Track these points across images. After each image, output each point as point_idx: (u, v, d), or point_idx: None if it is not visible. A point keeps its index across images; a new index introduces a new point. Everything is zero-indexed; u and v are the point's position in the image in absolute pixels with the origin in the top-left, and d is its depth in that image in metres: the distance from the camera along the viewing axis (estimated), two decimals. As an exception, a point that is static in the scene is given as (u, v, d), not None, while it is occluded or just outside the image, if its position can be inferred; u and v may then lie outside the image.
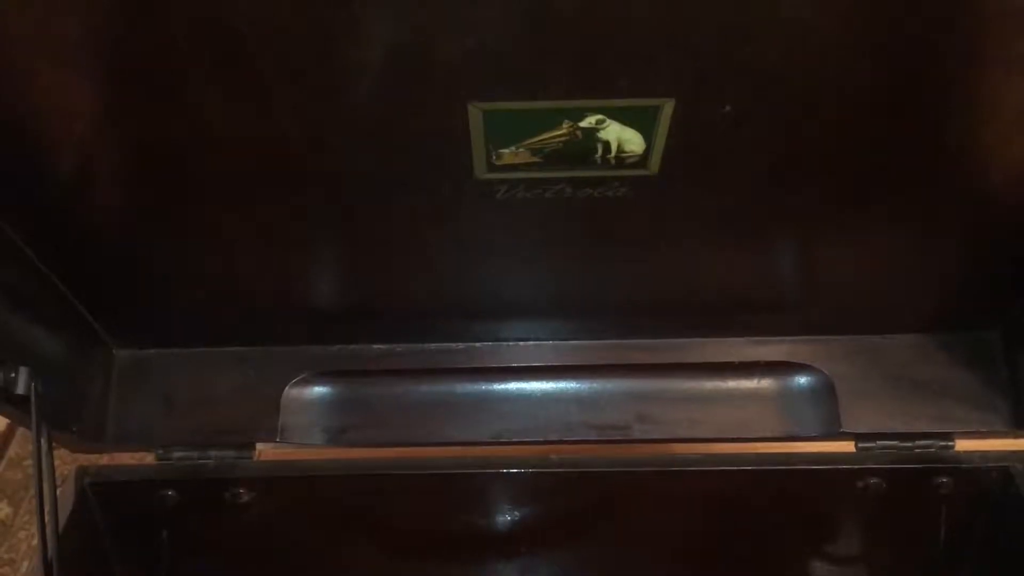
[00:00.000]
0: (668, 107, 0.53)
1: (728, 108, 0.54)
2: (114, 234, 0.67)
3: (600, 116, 0.54)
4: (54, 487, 0.68)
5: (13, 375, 0.64)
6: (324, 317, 0.78)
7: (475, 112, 0.53)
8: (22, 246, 0.66)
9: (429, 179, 0.60)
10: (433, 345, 0.80)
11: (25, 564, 1.04)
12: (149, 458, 0.80)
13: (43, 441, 0.66)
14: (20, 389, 0.65)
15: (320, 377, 0.81)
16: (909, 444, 0.79)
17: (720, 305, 0.77)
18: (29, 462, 1.04)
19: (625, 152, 0.57)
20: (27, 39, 0.49)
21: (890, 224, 0.68)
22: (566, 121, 0.54)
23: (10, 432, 1.14)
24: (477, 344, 0.81)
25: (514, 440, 0.81)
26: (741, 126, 0.55)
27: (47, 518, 0.67)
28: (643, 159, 0.57)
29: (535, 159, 0.57)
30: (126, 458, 0.81)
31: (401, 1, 0.45)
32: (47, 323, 0.71)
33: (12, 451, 1.13)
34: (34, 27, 0.48)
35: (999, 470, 0.79)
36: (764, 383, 0.82)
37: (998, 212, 0.66)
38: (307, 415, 0.81)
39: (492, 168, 0.58)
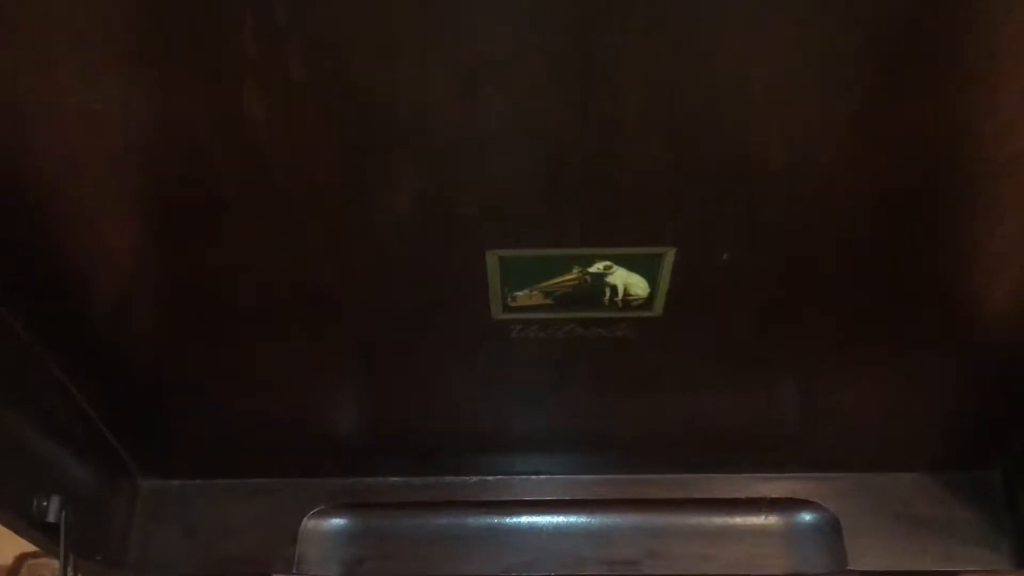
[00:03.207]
0: (670, 255, 0.57)
1: (726, 256, 0.57)
2: (149, 369, 0.70)
3: (607, 263, 0.58)
4: (77, 615, 0.70)
5: (45, 503, 0.67)
6: (342, 450, 0.81)
7: (492, 258, 0.57)
8: (60, 376, 0.69)
9: (448, 319, 0.64)
10: (448, 478, 0.83)
11: None
12: (168, 587, 0.81)
13: (69, 570, 0.68)
14: (51, 517, 0.67)
15: (337, 509, 0.83)
16: (915, 583, 0.79)
17: (726, 442, 0.79)
18: (35, 597, 1.03)
19: (631, 295, 0.60)
20: (80, 184, 0.53)
21: (889, 365, 0.70)
22: (576, 267, 0.58)
23: (17, 566, 1.13)
24: (490, 478, 0.83)
25: (525, 574, 0.82)
26: (739, 273, 0.59)
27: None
28: (648, 302, 0.61)
29: (547, 301, 0.61)
30: (145, 587, 0.82)
31: (426, 159, 0.50)
32: (78, 452, 0.74)
33: (18, 584, 1.12)
34: (86, 176, 0.53)
35: (1005, 610, 0.79)
36: (771, 520, 0.83)
37: (995, 354, 0.68)
38: (324, 547, 0.82)
39: (507, 309, 0.61)
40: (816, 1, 0.42)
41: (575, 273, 0.59)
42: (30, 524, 0.66)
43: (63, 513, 0.68)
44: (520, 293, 0.60)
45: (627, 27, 0.42)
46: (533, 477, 0.83)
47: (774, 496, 0.82)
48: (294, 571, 0.80)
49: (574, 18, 0.42)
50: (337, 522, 0.83)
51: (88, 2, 0.41)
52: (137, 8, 0.42)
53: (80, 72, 0.45)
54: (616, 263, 0.58)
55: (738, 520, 0.83)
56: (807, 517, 0.83)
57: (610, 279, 0.59)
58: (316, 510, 0.82)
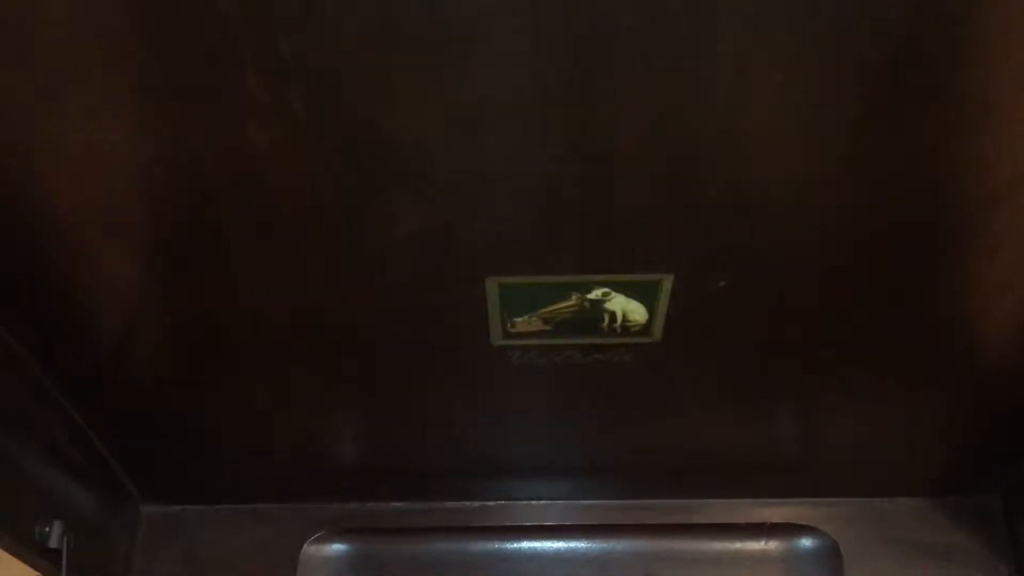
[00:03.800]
0: (667, 282, 0.58)
1: (723, 283, 0.58)
2: (151, 396, 0.71)
3: (606, 289, 0.59)
4: (76, 641, 0.70)
5: (47, 529, 0.68)
6: (343, 476, 0.81)
7: (492, 286, 0.58)
8: (64, 403, 0.70)
9: (449, 346, 0.64)
10: (448, 503, 0.83)
11: None
12: (168, 613, 0.81)
13: (70, 595, 0.68)
14: (53, 543, 0.68)
15: (337, 535, 0.83)
16: (916, 608, 0.79)
17: (725, 467, 0.80)
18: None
19: (629, 321, 0.61)
20: (84, 215, 0.54)
21: (887, 389, 0.71)
22: (575, 294, 0.59)
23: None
24: (490, 503, 0.83)
25: (525, 600, 0.82)
26: (736, 298, 0.59)
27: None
28: (646, 328, 0.62)
29: (547, 327, 0.61)
30: (146, 614, 0.82)
31: (427, 193, 0.51)
32: (82, 478, 0.74)
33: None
34: (91, 207, 0.54)
35: (1005, 634, 0.79)
36: (771, 545, 0.83)
37: (993, 381, 0.69)
38: (324, 572, 0.83)
39: (507, 336, 0.62)
40: (808, 42, 0.43)
41: (574, 300, 0.59)
42: (33, 549, 0.66)
43: (65, 539, 0.68)
44: (520, 319, 0.61)
45: (620, 68, 0.43)
46: (534, 502, 0.83)
47: (774, 521, 0.83)
48: (295, 597, 0.80)
49: (569, 59, 0.43)
50: (338, 547, 0.83)
51: (95, 39, 0.42)
52: (143, 44, 0.43)
53: (86, 107, 0.45)
54: (614, 290, 0.59)
55: (738, 545, 0.83)
56: (807, 542, 0.83)
57: (609, 305, 0.60)
58: (317, 535, 0.83)
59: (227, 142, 0.47)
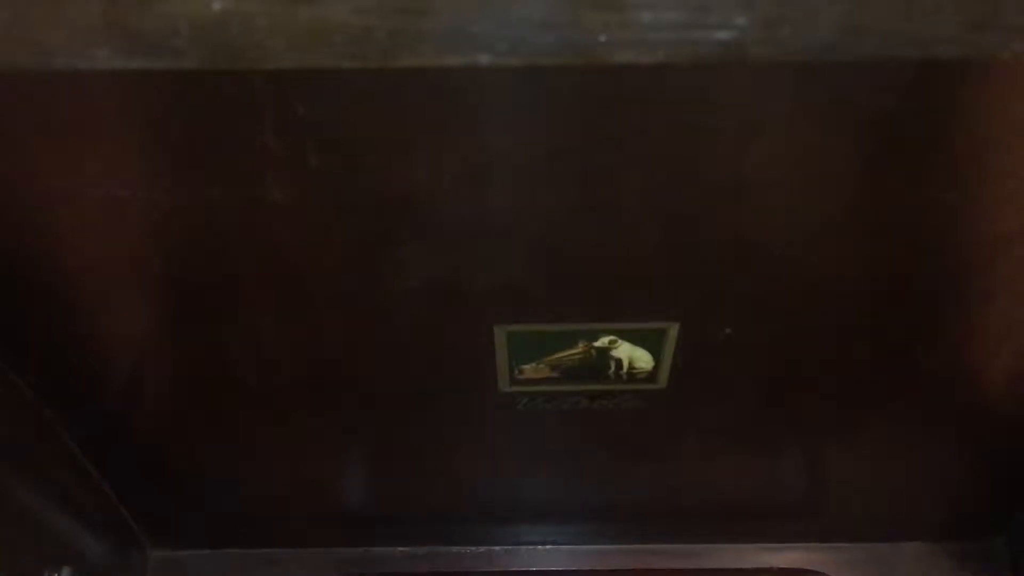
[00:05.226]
0: (673, 330, 0.58)
1: (728, 331, 0.59)
2: (160, 442, 0.72)
3: (613, 337, 0.59)
4: None
5: (57, 575, 0.68)
6: (350, 520, 0.82)
7: (500, 333, 0.58)
8: (74, 449, 0.70)
9: (457, 392, 0.65)
10: (454, 548, 0.83)
11: None
12: (174, 660, 0.81)
13: (77, 642, 0.69)
14: (62, 588, 0.68)
15: (344, 579, 0.83)
16: (923, 654, 0.79)
17: (731, 512, 0.80)
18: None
19: (636, 368, 0.62)
20: (101, 266, 0.55)
21: (890, 434, 0.71)
22: (582, 341, 0.60)
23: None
24: (496, 547, 0.83)
25: (532, 645, 0.82)
26: (740, 347, 0.60)
27: None
28: (652, 375, 0.62)
29: (554, 374, 0.62)
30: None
31: (437, 245, 0.52)
32: (91, 523, 0.74)
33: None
34: (108, 258, 0.54)
35: None
36: (778, 590, 0.83)
37: (997, 427, 0.69)
38: (331, 617, 0.83)
39: (514, 382, 0.63)
40: (809, 101, 0.44)
41: (580, 347, 0.60)
42: (42, 595, 0.67)
43: (74, 584, 0.69)
44: (527, 366, 0.61)
45: (627, 125, 0.44)
46: (539, 547, 0.83)
47: (781, 566, 0.83)
48: (302, 642, 0.80)
49: (577, 117, 0.44)
50: (345, 593, 0.83)
51: (117, 100, 0.44)
52: (162, 103, 0.44)
53: (107, 164, 0.47)
54: (621, 337, 0.59)
55: (744, 591, 0.83)
56: (814, 588, 0.83)
57: (615, 353, 0.60)
58: (324, 580, 0.83)
59: (243, 196, 0.48)
